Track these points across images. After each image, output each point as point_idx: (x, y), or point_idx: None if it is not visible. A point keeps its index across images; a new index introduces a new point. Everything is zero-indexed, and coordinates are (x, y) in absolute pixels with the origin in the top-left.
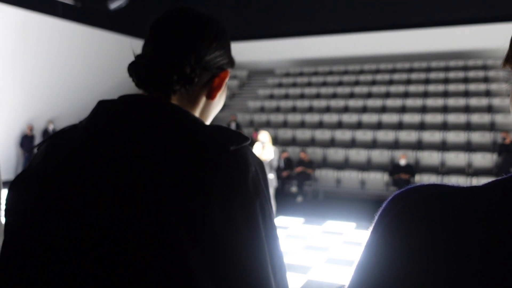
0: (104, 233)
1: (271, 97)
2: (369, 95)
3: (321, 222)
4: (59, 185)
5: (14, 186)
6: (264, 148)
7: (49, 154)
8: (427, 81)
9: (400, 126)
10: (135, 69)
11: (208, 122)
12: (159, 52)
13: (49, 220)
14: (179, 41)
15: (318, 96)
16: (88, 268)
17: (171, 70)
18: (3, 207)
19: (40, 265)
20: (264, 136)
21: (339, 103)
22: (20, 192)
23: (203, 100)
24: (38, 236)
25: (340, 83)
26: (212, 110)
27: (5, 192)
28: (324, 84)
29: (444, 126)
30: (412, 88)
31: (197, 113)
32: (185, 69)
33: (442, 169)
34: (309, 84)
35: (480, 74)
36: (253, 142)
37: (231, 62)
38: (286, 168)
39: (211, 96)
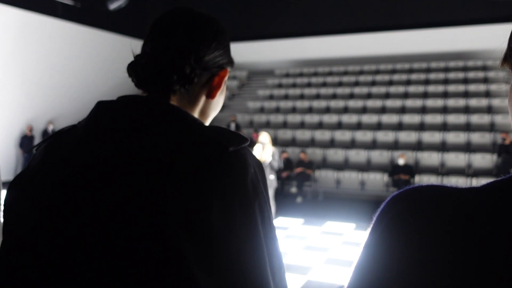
0: (102, 233)
1: (271, 97)
2: (369, 96)
3: (320, 222)
4: (58, 185)
5: (13, 186)
6: (264, 149)
7: (48, 154)
8: (426, 82)
9: (400, 126)
10: (135, 69)
11: (208, 122)
12: (159, 52)
13: (48, 220)
14: (179, 41)
15: (318, 96)
16: (87, 268)
17: (171, 70)
18: (2, 207)
19: (39, 265)
20: (264, 137)
21: (339, 103)
22: (19, 192)
23: (202, 99)
24: (36, 236)
25: (340, 84)
26: (212, 110)
27: (4, 192)
28: (324, 84)
29: (444, 127)
30: (412, 89)
31: (196, 113)
32: (185, 69)
33: (442, 170)
34: (309, 85)
35: (480, 74)
36: (252, 143)
37: (230, 62)
38: (286, 168)
39: (211, 95)
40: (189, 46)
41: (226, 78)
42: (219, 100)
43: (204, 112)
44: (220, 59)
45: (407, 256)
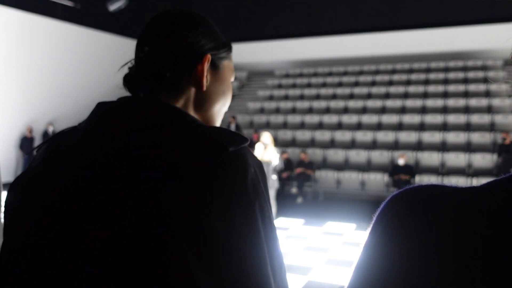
0: (103, 235)
1: (271, 98)
2: (369, 96)
3: (321, 223)
4: (59, 187)
5: (14, 188)
6: (266, 149)
7: (49, 156)
8: (426, 82)
9: (400, 126)
10: (125, 79)
11: (215, 117)
12: (138, 58)
13: (49, 222)
14: (150, 42)
15: (318, 97)
16: (87, 270)
17: (145, 72)
18: (3, 209)
19: (39, 267)
20: (266, 138)
21: (339, 104)
22: (19, 194)
23: (192, 92)
24: (37, 238)
25: (340, 84)
26: (212, 102)
27: (4, 194)
28: (324, 85)
29: (444, 127)
30: (412, 89)
31: (191, 109)
32: (156, 67)
33: (442, 170)
34: (308, 85)
35: (480, 74)
36: (252, 143)
37: (217, 47)
38: (286, 169)
39: (200, 86)
40: (158, 43)
41: (207, 65)
42: (218, 90)
43: (200, 105)
44: (199, 46)
45: (407, 256)
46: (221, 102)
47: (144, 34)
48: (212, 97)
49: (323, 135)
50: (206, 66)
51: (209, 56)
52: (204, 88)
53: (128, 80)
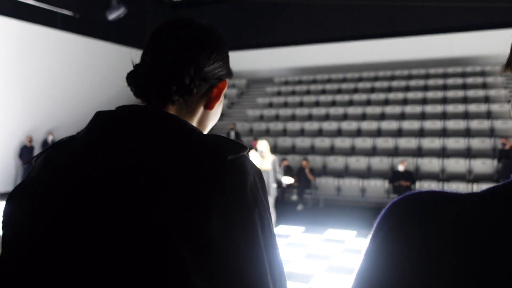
0: (102, 244)
1: (270, 105)
2: (368, 103)
3: (321, 230)
4: (58, 197)
5: (11, 198)
6: (264, 158)
7: (47, 166)
8: (425, 88)
9: (399, 133)
10: (134, 78)
11: (206, 131)
12: (159, 62)
13: (47, 233)
14: (179, 52)
15: (317, 104)
16: (87, 281)
17: (170, 80)
18: (1, 219)
19: (38, 278)
20: (263, 145)
21: (338, 110)
22: (17, 204)
23: (200, 110)
24: (36, 249)
25: (339, 91)
26: (209, 120)
27: (2, 203)
28: (323, 92)
29: (444, 133)
30: (411, 95)
31: (194, 123)
32: (185, 80)
33: (443, 176)
34: (308, 92)
35: (479, 80)
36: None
37: (229, 73)
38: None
39: (209, 107)
40: (189, 57)
41: (225, 90)
42: (217, 111)
43: (202, 122)
44: (219, 70)
45: (409, 262)
46: (215, 119)
47: (169, 41)
48: (214, 116)
49: (323, 142)
50: (223, 91)
51: (227, 82)
52: (213, 110)
53: (141, 86)
